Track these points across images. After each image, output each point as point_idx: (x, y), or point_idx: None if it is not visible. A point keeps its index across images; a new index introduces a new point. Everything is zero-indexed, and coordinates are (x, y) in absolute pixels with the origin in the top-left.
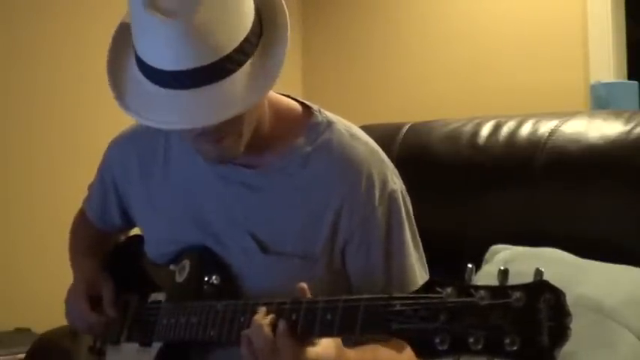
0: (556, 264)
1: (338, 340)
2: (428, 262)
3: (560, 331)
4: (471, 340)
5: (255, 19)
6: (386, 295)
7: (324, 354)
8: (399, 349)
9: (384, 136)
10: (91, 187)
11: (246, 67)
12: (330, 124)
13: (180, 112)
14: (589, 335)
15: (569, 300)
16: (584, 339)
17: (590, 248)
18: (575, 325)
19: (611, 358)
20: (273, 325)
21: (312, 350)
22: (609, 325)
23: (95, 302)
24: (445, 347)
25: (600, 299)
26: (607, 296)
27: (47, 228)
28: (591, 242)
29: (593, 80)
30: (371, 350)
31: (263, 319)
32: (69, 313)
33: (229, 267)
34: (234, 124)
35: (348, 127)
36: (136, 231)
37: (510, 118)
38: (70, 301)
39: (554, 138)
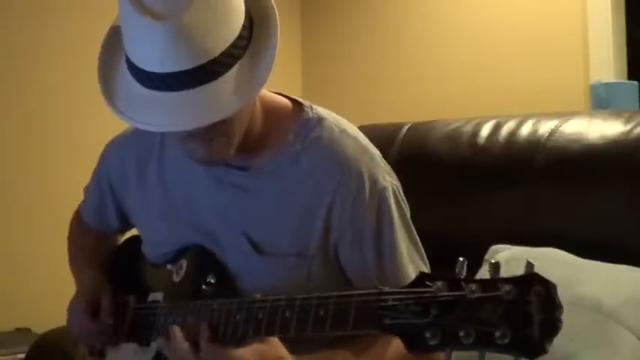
0: (556, 264)
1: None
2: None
3: (550, 324)
4: (462, 333)
5: (245, 22)
6: (377, 291)
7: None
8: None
9: (384, 136)
10: (87, 190)
11: (234, 70)
12: (320, 120)
13: (167, 114)
14: (589, 335)
15: (570, 300)
16: (584, 339)
17: (590, 248)
18: (575, 325)
19: (612, 358)
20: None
21: (236, 351)
22: (609, 325)
23: (96, 313)
24: (436, 342)
25: (600, 299)
26: (607, 296)
27: (47, 228)
28: (591, 242)
29: (593, 80)
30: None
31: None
32: (70, 325)
33: (226, 267)
34: (223, 126)
35: (338, 123)
36: (134, 232)
37: (510, 118)
38: (71, 313)
39: (554, 138)
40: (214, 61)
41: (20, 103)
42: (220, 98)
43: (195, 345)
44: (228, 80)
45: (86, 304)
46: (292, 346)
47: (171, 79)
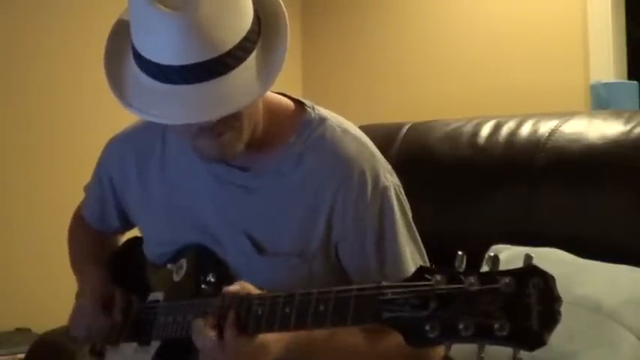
0: (556, 264)
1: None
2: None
3: (549, 316)
4: (461, 326)
5: (254, 19)
6: (377, 285)
7: (270, 340)
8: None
9: (384, 136)
10: (87, 189)
11: (247, 63)
12: (322, 120)
13: (182, 106)
14: (589, 335)
15: (569, 300)
16: (584, 339)
17: (590, 248)
18: (575, 325)
19: (611, 358)
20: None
21: (257, 338)
22: (609, 325)
23: (109, 309)
24: (435, 334)
25: (600, 299)
26: (607, 296)
27: (47, 228)
28: (591, 242)
29: (593, 80)
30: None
31: (204, 324)
32: (77, 321)
33: (227, 266)
34: (234, 119)
35: (340, 123)
36: (135, 232)
37: (510, 118)
38: (80, 309)
39: (554, 138)
40: (228, 54)
41: (20, 102)
42: (234, 90)
43: (219, 334)
44: (242, 73)
45: (101, 300)
46: None
47: (186, 71)
